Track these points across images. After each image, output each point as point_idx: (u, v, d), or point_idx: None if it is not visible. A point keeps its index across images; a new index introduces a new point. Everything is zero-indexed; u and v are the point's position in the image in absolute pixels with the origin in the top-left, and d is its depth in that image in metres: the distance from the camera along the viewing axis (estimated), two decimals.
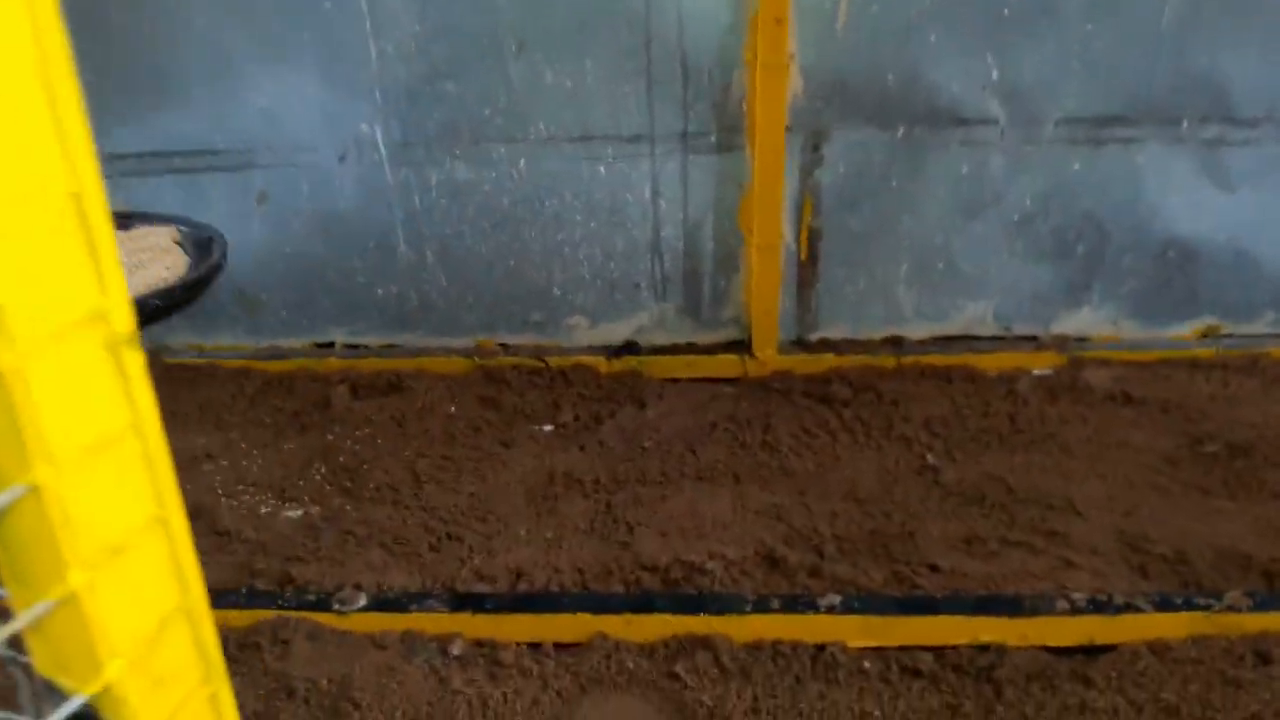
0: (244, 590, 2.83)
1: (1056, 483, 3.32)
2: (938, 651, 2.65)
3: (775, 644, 2.66)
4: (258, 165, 3.92)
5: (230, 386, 4.07)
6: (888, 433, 3.63)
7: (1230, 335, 3.95)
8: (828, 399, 3.81)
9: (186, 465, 3.57)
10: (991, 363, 3.92)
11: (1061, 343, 3.97)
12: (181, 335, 4.25)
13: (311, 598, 2.79)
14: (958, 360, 3.94)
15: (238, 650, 2.65)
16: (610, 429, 3.73)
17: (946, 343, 4.02)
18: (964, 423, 3.66)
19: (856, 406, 3.77)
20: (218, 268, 2.55)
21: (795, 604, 2.72)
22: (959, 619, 2.67)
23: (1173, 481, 3.30)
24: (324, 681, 2.54)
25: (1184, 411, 3.65)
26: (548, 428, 3.77)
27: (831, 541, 3.08)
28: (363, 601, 2.77)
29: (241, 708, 2.54)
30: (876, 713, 2.50)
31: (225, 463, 3.58)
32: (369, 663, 2.60)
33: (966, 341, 4.02)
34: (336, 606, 2.75)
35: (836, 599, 2.73)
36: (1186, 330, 3.96)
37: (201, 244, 2.76)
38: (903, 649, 2.66)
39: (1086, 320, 3.96)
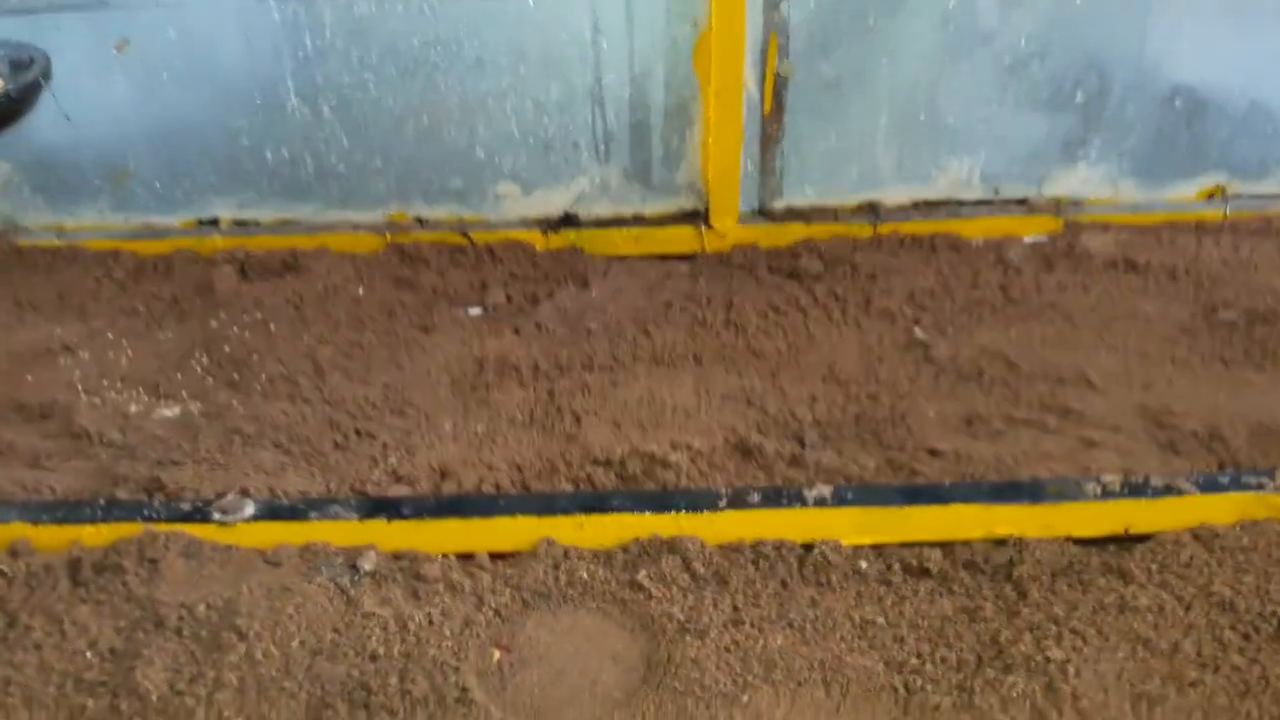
0: (102, 502, 2.27)
1: (1063, 355, 2.91)
2: (946, 547, 2.24)
3: (756, 545, 2.22)
4: (115, 4, 3.24)
5: (96, 271, 3.44)
6: (866, 308, 3.17)
7: (1239, 195, 3.55)
8: (797, 274, 3.34)
9: (38, 359, 2.97)
10: (978, 229, 3.49)
11: (1055, 206, 3.54)
12: (37, 213, 3.59)
13: (186, 508, 2.25)
14: (941, 227, 3.49)
15: (94, 574, 2.11)
16: (549, 311, 3.21)
17: (928, 208, 3.56)
18: (951, 295, 3.22)
19: (830, 281, 3.30)
20: (35, 86, 1.95)
21: (778, 497, 2.28)
22: (971, 509, 2.26)
23: (1191, 353, 2.91)
24: (201, 607, 2.02)
25: (1195, 278, 3.26)
26: (475, 311, 3.24)
27: (812, 427, 2.63)
28: (250, 510, 2.24)
29: (95, 643, 2.03)
30: (879, 619, 2.08)
31: (87, 355, 2.98)
32: (259, 583, 2.09)
33: (950, 207, 3.57)
34: (218, 517, 2.22)
35: (826, 490, 2.29)
36: (1192, 190, 3.55)
37: (19, 64, 2.14)
38: (906, 546, 2.24)
39: (1083, 180, 3.53)
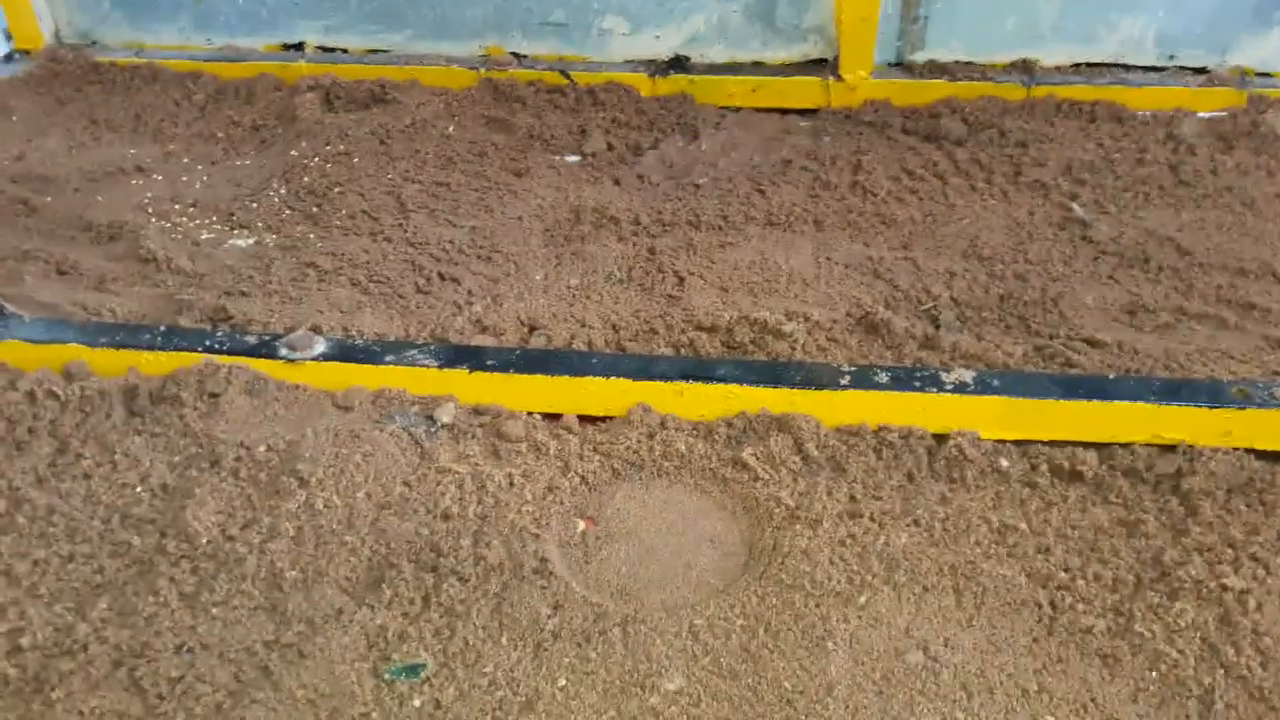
0: (163, 328, 2.08)
1: (1244, 245, 2.52)
2: (1103, 450, 1.93)
3: (881, 431, 1.94)
4: None
5: (175, 92, 3.23)
6: (1015, 179, 2.80)
7: None
8: (936, 136, 2.96)
9: (110, 179, 2.78)
10: (1147, 99, 3.05)
11: (1240, 77, 3.06)
12: (116, 30, 3.38)
13: (252, 340, 2.05)
14: (1104, 94, 3.05)
15: (150, 404, 1.93)
16: (653, 162, 2.91)
17: (1091, 72, 3.12)
18: (1114, 170, 2.82)
19: (974, 146, 2.92)
20: None
21: (910, 379, 1.98)
22: (1136, 408, 1.93)
23: None
24: (261, 448, 1.83)
25: None
26: (572, 158, 2.95)
27: (950, 306, 2.31)
28: (322, 348, 2.03)
29: (146, 476, 1.86)
30: (1021, 525, 1.79)
31: (160, 179, 2.79)
32: (325, 427, 1.89)
33: (1115, 71, 3.12)
34: (286, 353, 2.01)
35: (968, 374, 1.98)
36: None
37: None
38: (1056, 445, 1.94)
39: (1276, 49, 3.03)
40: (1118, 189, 2.74)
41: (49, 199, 2.65)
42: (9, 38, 3.42)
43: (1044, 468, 1.91)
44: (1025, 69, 3.12)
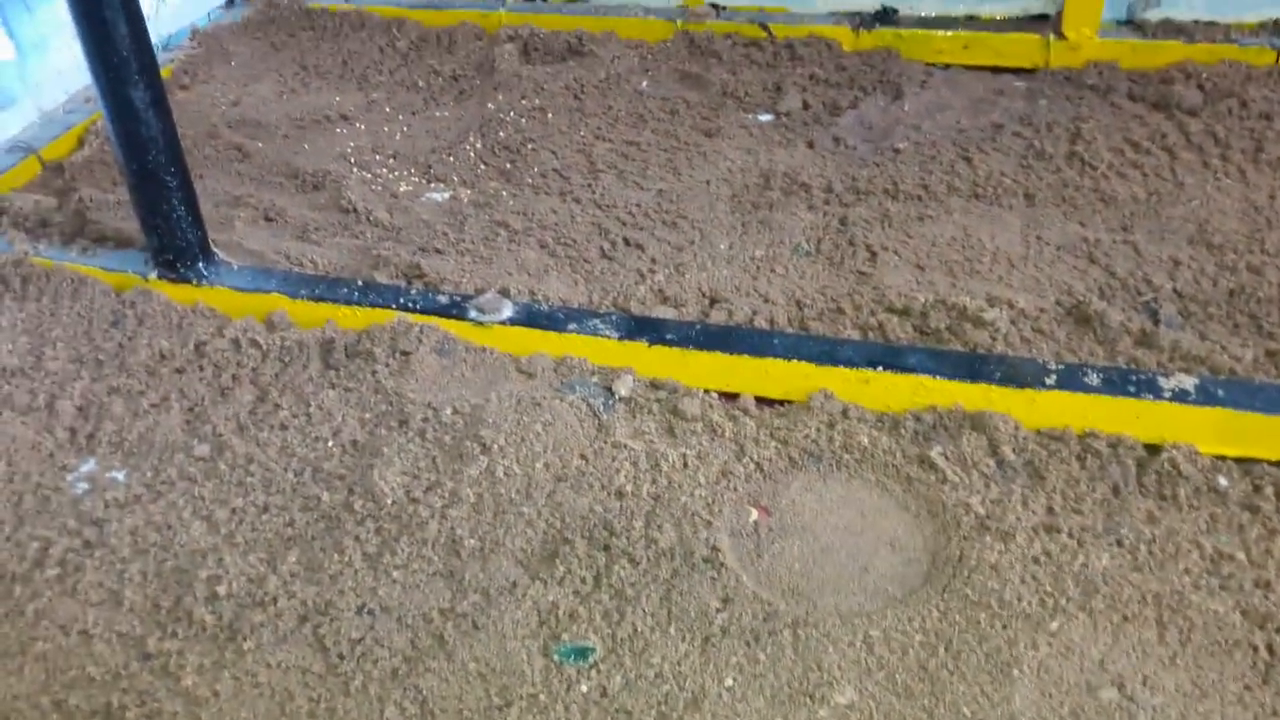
0: (360, 282, 2.15)
1: None
2: None
3: (1085, 437, 1.81)
4: None
5: (381, 39, 3.31)
6: (1255, 156, 2.53)
7: None
8: (1167, 104, 2.70)
9: (317, 125, 2.88)
10: None
11: None
12: None
13: (444, 300, 2.09)
14: None
15: (345, 358, 2.01)
16: (851, 123, 2.78)
17: None
18: None
19: (1210, 117, 2.65)
20: None
21: (1124, 381, 1.83)
22: None
23: None
24: (448, 411, 1.87)
25: None
26: (766, 117, 2.85)
27: (1172, 299, 2.11)
28: (509, 312, 2.05)
29: (338, 431, 1.93)
30: (1239, 555, 1.64)
31: (362, 127, 2.87)
32: (509, 393, 1.91)
33: None
34: (475, 315, 2.05)
35: (1189, 381, 1.81)
36: None
37: None
38: None
39: None
40: None
41: (260, 144, 2.77)
42: None
43: (1269, 490, 1.73)
44: (1277, 31, 2.79)
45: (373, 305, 2.08)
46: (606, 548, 1.64)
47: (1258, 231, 2.29)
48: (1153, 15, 2.88)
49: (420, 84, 3.08)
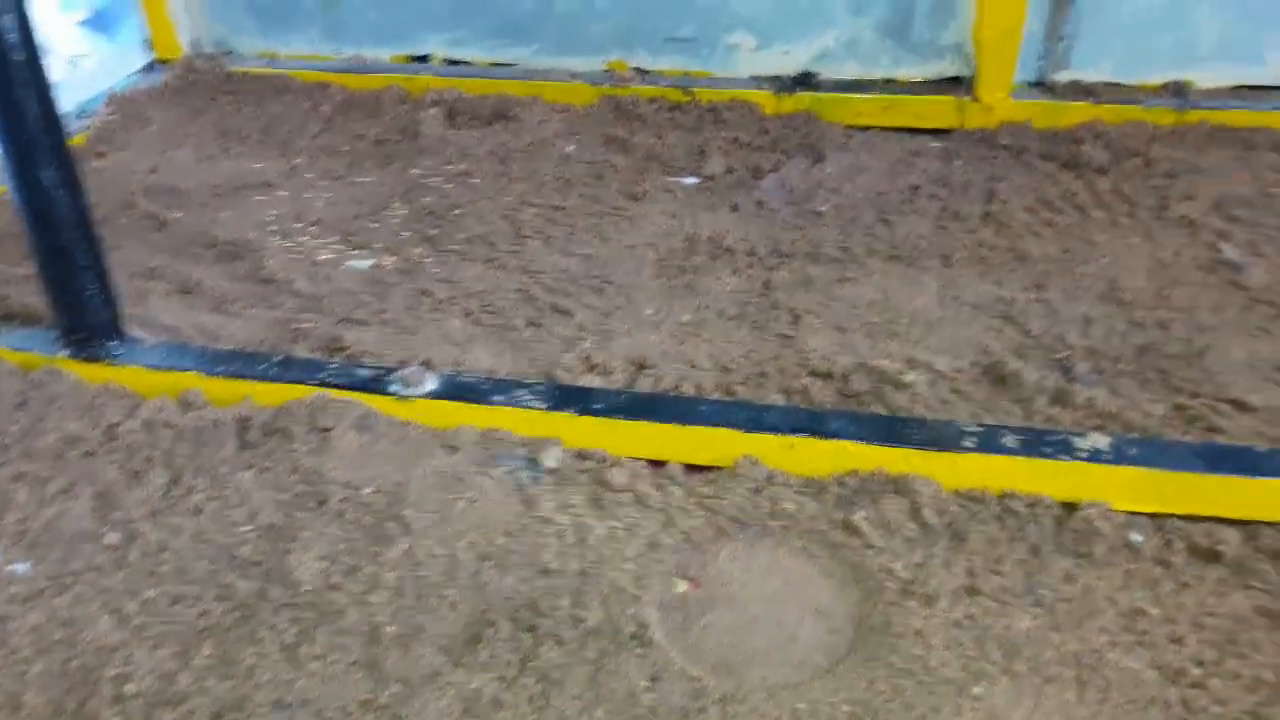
0: (278, 358, 2.12)
1: None
2: (1247, 528, 1.78)
3: (1005, 497, 1.83)
4: None
5: (303, 104, 3.30)
6: (1161, 213, 2.62)
7: None
8: (1077, 163, 2.79)
9: (236, 193, 2.85)
10: None
11: None
12: (250, 38, 3.46)
13: (365, 373, 2.07)
14: (1263, 120, 2.83)
15: (262, 436, 1.97)
16: (774, 186, 2.82)
17: (1251, 95, 2.88)
18: (1273, 207, 2.61)
19: (1118, 176, 2.75)
20: None
21: (1040, 442, 1.86)
22: None
23: None
24: (369, 490, 1.85)
25: None
26: (690, 180, 2.89)
27: (1085, 356, 2.17)
28: (432, 385, 2.03)
29: (255, 514, 1.88)
30: (1153, 610, 1.67)
31: (284, 194, 2.85)
32: (433, 469, 1.89)
33: (1278, 95, 2.88)
34: (397, 388, 2.02)
35: (1104, 441, 1.85)
36: None
37: None
38: (1194, 520, 1.80)
39: None
40: (1275, 228, 2.53)
41: (178, 213, 2.73)
42: (150, 47, 3.54)
43: (1179, 545, 1.77)
44: (1178, 92, 2.91)
45: (291, 381, 2.05)
46: (532, 629, 1.62)
47: (1164, 288, 2.37)
48: (1062, 77, 2.98)
49: (344, 149, 3.07)
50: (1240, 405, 2.03)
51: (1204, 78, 2.91)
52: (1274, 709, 1.50)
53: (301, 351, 2.18)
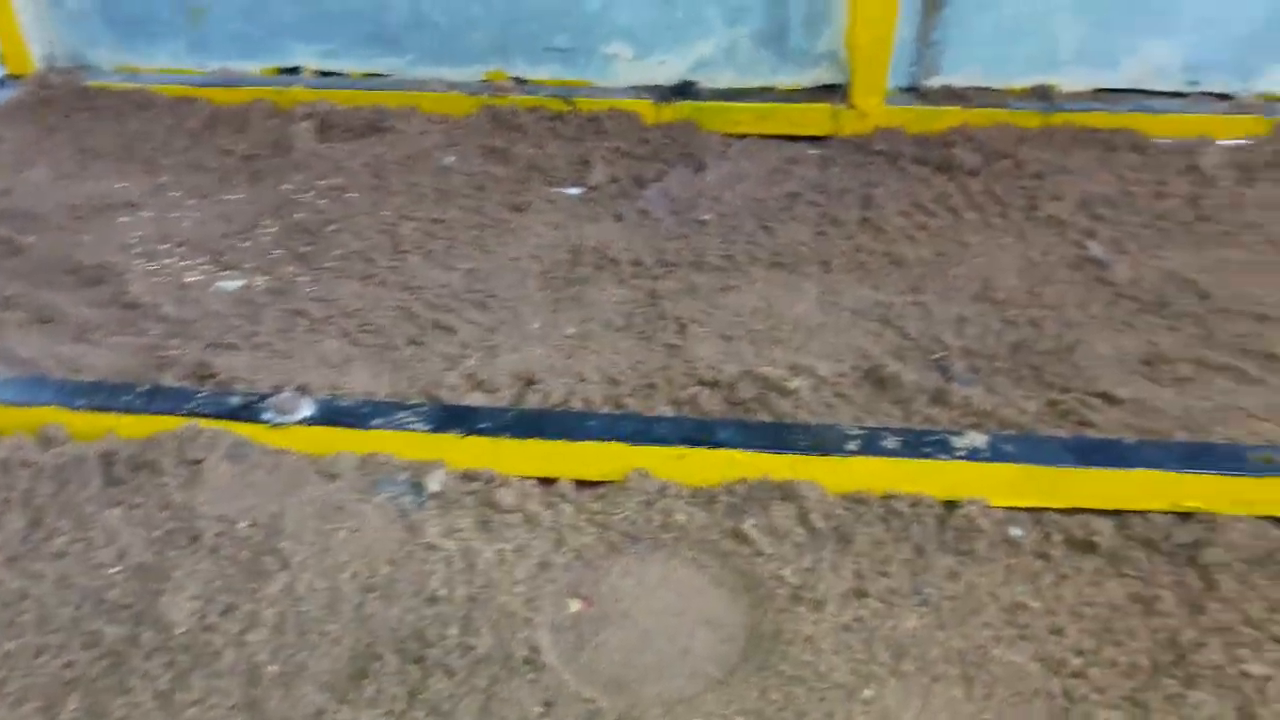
0: (143, 388, 2.02)
1: (1266, 288, 2.42)
2: (1120, 519, 1.85)
3: (888, 499, 1.86)
4: None
5: (168, 119, 3.17)
6: (1030, 213, 2.71)
7: None
8: (949, 167, 2.87)
9: (97, 215, 2.72)
10: (1167, 127, 2.95)
11: (1264, 105, 2.96)
12: (108, 52, 3.30)
13: (236, 401, 1.98)
14: (1124, 121, 2.96)
15: (128, 471, 1.87)
16: (657, 195, 2.82)
17: (1111, 98, 3.01)
18: (1133, 205, 2.73)
19: (988, 178, 2.83)
20: None
21: (919, 443, 1.90)
22: (1153, 475, 1.85)
23: None
24: (244, 523, 1.77)
25: None
26: (573, 190, 2.87)
27: (961, 356, 2.23)
28: (308, 410, 1.96)
29: (123, 555, 1.78)
30: (1034, 603, 1.71)
31: (149, 214, 2.72)
32: (310, 499, 1.82)
33: (1136, 98, 3.01)
34: (270, 415, 1.95)
35: (981, 439, 1.90)
36: None
37: None
38: (1069, 513, 1.86)
39: None
40: (1136, 225, 2.65)
41: (33, 238, 2.59)
42: (0, 63, 3.36)
43: (1057, 538, 1.83)
44: (1044, 95, 3.02)
45: (158, 412, 1.95)
46: (420, 660, 1.57)
47: (1035, 286, 2.45)
48: (934, 82, 3.06)
49: (211, 166, 2.96)
50: (1109, 398, 2.11)
51: (1066, 82, 3.03)
52: (1149, 693, 1.56)
53: (169, 380, 2.08)
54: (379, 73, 3.23)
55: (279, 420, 1.93)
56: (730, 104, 3.07)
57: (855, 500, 1.87)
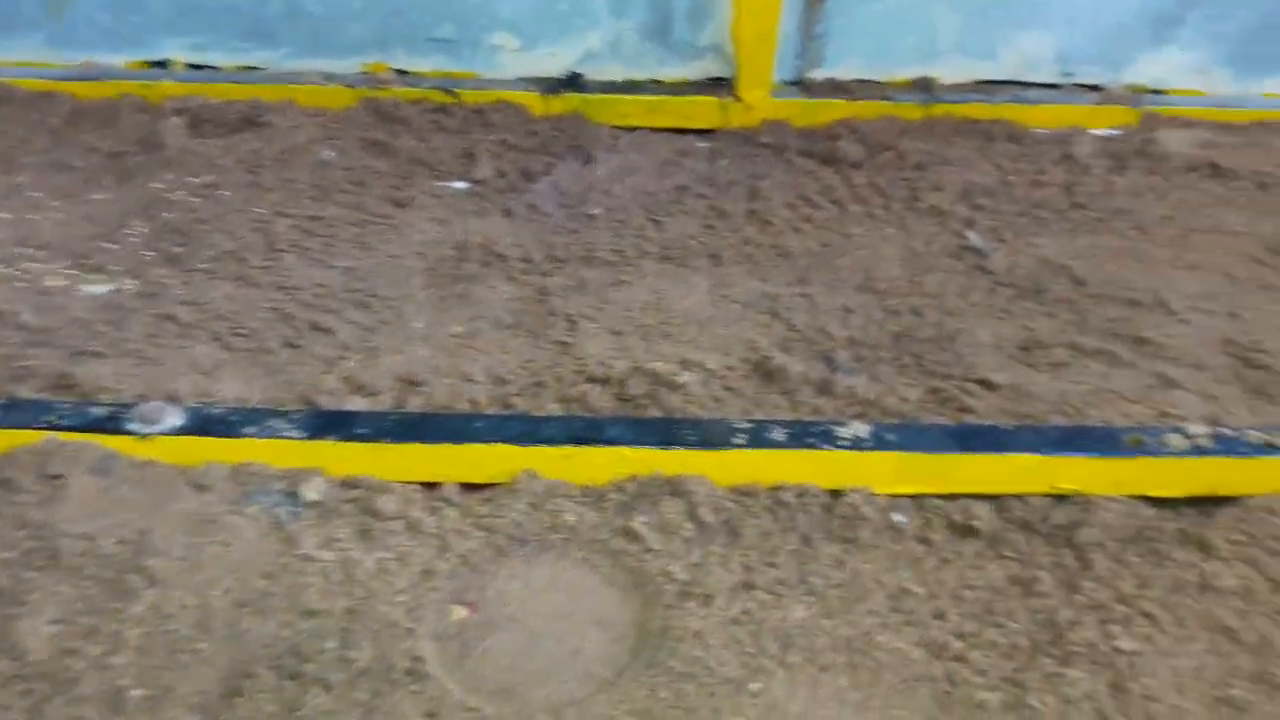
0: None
1: (1136, 273, 2.52)
2: (998, 502, 1.89)
3: (775, 490, 1.87)
4: None
5: (28, 115, 3.00)
6: (912, 204, 2.76)
7: None
8: (834, 159, 2.90)
9: None
10: (1042, 117, 3.04)
11: (1133, 96, 3.07)
12: None
13: (100, 412, 1.89)
14: (1001, 112, 3.03)
15: None
16: (545, 189, 2.78)
17: (989, 89, 3.08)
18: (1011, 194, 2.80)
19: (872, 170, 2.87)
20: None
21: (805, 434, 1.91)
22: (1031, 459, 1.89)
23: None
24: (109, 540, 1.68)
25: None
26: (458, 184, 2.81)
27: (845, 346, 2.25)
28: (176, 420, 1.88)
29: None
30: (917, 589, 1.74)
31: (7, 216, 2.57)
32: (179, 512, 1.74)
33: (1013, 89, 3.09)
34: (136, 426, 1.85)
35: (864, 429, 1.92)
36: None
37: None
38: (950, 498, 1.90)
39: (1170, 66, 3.06)
40: (1014, 214, 2.72)
41: None
42: None
43: (939, 523, 1.87)
44: (925, 87, 3.08)
45: (15, 426, 1.84)
46: (296, 676, 1.51)
47: (917, 275, 2.49)
48: (818, 75, 3.09)
49: (75, 164, 2.81)
50: (987, 385, 2.15)
51: (947, 73, 3.09)
52: (1029, 674, 1.60)
53: (27, 392, 1.97)
54: (253, 65, 3.11)
55: (145, 431, 1.84)
56: (619, 96, 3.05)
57: (744, 493, 1.87)
